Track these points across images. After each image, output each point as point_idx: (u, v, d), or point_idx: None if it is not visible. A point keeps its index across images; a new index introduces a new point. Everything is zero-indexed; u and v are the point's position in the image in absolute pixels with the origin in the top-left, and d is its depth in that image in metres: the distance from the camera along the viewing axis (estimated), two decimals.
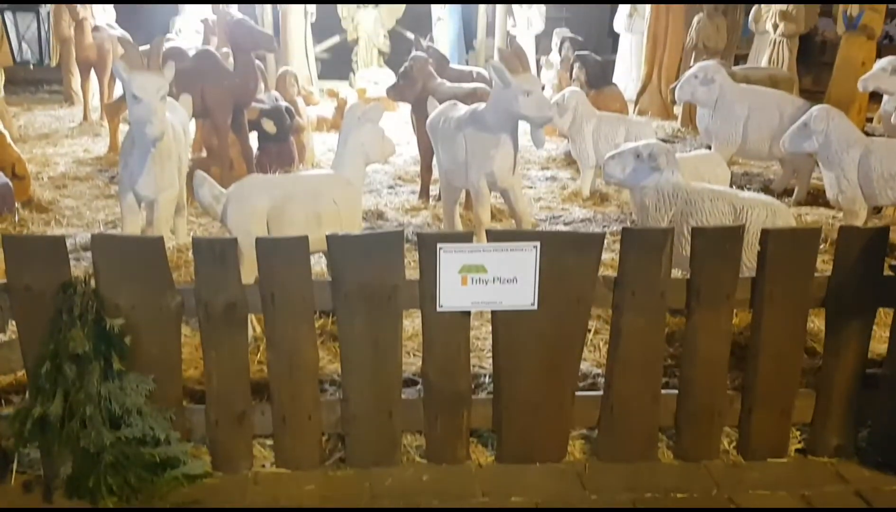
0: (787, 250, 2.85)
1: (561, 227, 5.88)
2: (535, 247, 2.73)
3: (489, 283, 2.75)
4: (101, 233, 3.29)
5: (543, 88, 9.05)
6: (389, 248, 2.75)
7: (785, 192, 6.83)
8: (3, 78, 8.19)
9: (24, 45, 4.55)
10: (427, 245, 2.72)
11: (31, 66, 4.79)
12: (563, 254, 2.77)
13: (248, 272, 3.02)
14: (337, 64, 12.83)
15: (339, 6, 12.10)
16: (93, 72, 9.15)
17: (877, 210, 5.89)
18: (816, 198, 6.49)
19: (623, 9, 12.12)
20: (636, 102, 10.75)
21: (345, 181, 3.94)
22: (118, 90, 8.21)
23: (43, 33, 4.50)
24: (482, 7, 11.61)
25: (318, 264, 4.50)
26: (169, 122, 4.37)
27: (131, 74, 4.05)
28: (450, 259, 2.71)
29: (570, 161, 7.64)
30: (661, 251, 2.78)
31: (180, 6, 10.82)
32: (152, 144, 4.15)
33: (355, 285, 2.74)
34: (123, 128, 7.12)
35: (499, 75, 4.49)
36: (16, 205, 5.62)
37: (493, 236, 2.80)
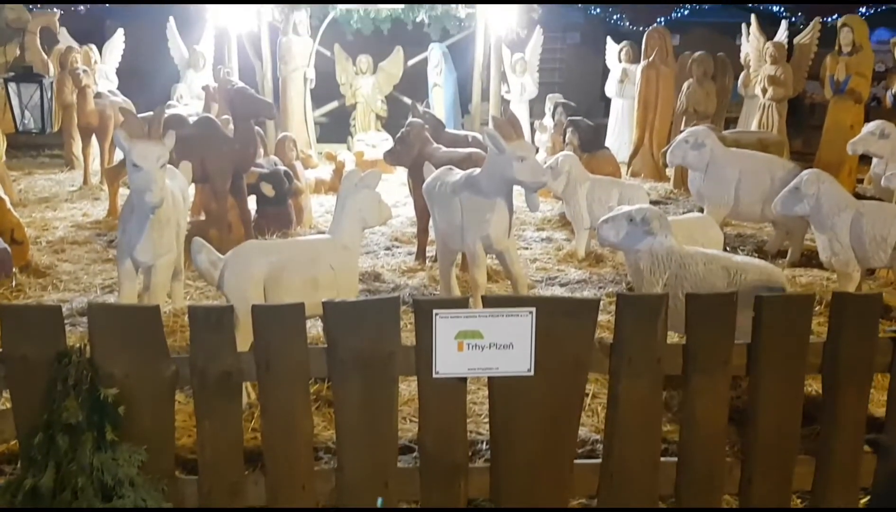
0: (782, 317, 2.86)
1: (557, 288, 5.90)
2: (531, 312, 2.74)
3: (485, 348, 2.75)
4: (97, 302, 3.30)
5: (537, 151, 9.23)
6: (385, 315, 2.75)
7: (779, 254, 6.88)
8: (5, 144, 8.32)
9: (27, 114, 4.64)
10: (423, 311, 2.73)
11: (33, 134, 4.90)
12: (559, 319, 2.77)
13: (244, 339, 3.02)
14: (335, 128, 13.06)
15: (339, 73, 12.36)
16: (94, 137, 9.30)
17: (870, 272, 5.92)
18: (810, 259, 6.53)
19: (614, 74, 12.42)
20: (629, 165, 10.92)
21: (341, 246, 3.98)
22: (118, 155, 8.34)
23: (45, 102, 4.59)
24: (476, 73, 11.88)
25: (315, 327, 4.50)
26: (168, 188, 4.43)
27: (132, 143, 4.12)
28: (446, 325, 2.72)
29: (564, 222, 7.72)
30: (656, 317, 2.79)
31: (182, 74, 11.08)
32: (151, 211, 4.20)
33: (351, 352, 2.74)
34: (123, 192, 7.21)
35: (493, 142, 4.59)
36: (13, 270, 5.63)
37: (489, 302, 2.81)
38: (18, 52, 6.66)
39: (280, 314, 2.75)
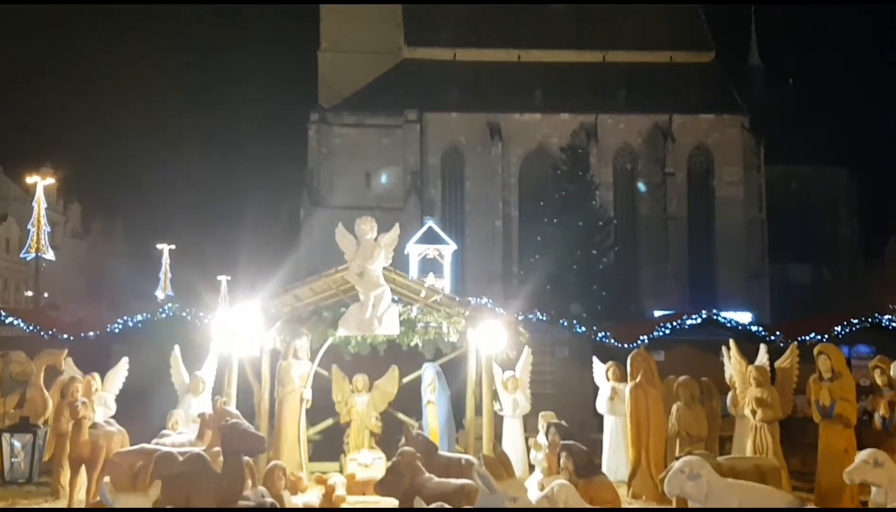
0: None
1: None
2: None
3: None
4: None
5: (533, 470, 9.05)
6: None
7: None
8: None
9: (16, 464, 4.65)
10: None
11: (19, 483, 4.85)
12: None
13: None
14: (329, 446, 12.95)
15: (335, 392, 12.60)
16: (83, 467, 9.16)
17: None
18: None
19: (603, 391, 12.66)
20: (629, 485, 10.66)
21: None
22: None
23: (37, 452, 4.63)
24: (469, 390, 12.13)
25: None
26: None
27: (116, 496, 4.10)
28: None
29: None
30: None
31: (180, 398, 11.27)
32: None
33: None
34: None
35: (484, 482, 4.56)
36: None
37: None
38: (18, 401, 6.88)
39: None
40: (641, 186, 49.64)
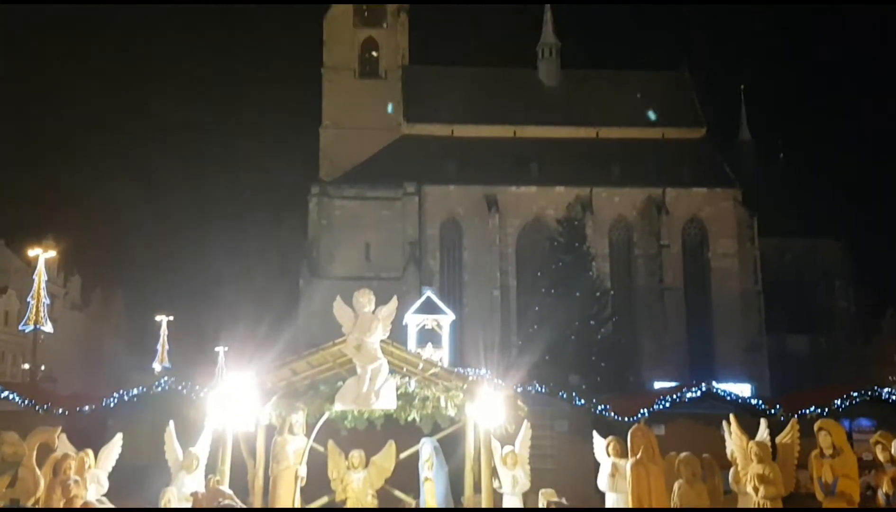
0: None
1: None
2: None
3: None
4: None
5: None
6: None
7: None
8: None
9: None
10: None
11: None
12: None
13: None
14: None
15: (331, 469, 12.41)
16: None
17: None
18: None
19: (604, 467, 12.45)
20: None
21: None
22: None
23: None
24: (468, 466, 11.96)
25: None
26: None
27: None
28: None
29: None
30: None
31: (174, 476, 11.09)
32: None
33: None
34: None
35: None
36: None
37: None
38: (10, 481, 6.80)
39: None
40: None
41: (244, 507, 7.15)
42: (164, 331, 42.36)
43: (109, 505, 8.86)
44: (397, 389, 11.11)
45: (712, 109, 56.98)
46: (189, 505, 9.85)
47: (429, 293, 32.29)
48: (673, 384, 45.09)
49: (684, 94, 56.65)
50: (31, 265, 27.19)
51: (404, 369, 11.81)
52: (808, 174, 66.33)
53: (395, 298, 11.11)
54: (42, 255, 25.18)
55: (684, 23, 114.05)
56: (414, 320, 29.73)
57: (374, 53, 57.94)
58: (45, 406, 13.58)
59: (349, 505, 12.42)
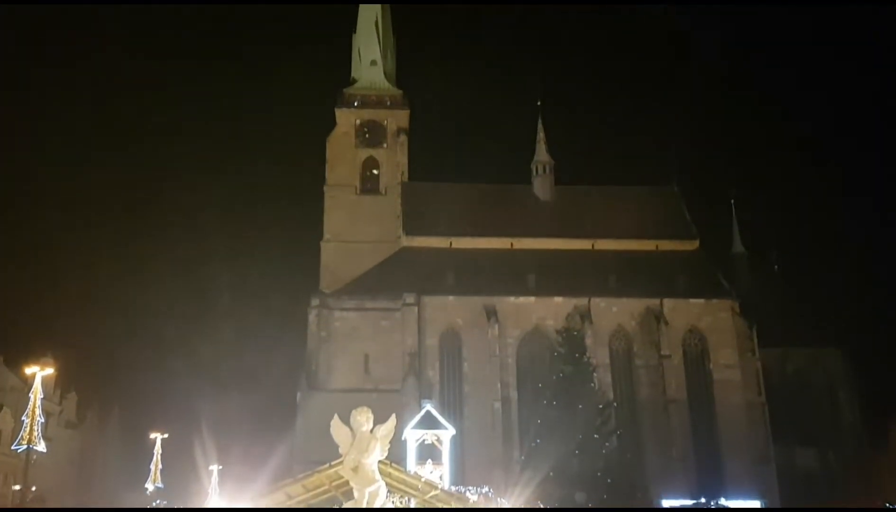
0: None
1: None
2: None
3: None
4: None
5: None
6: None
7: None
8: None
9: None
10: None
11: None
12: None
13: None
14: None
15: None
16: None
17: None
18: None
19: None
20: None
21: None
22: None
23: None
24: None
25: None
26: None
27: None
28: None
29: None
30: None
31: None
32: None
33: None
34: None
35: None
36: None
37: None
38: None
39: None
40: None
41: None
42: (157, 450, 41.46)
43: None
44: None
45: (704, 222, 57.93)
46: None
47: (428, 407, 31.89)
48: (685, 502, 43.84)
49: (675, 209, 58.00)
50: (27, 383, 27.01)
51: (404, 491, 11.70)
52: (804, 284, 66.78)
53: (393, 416, 11.16)
54: (39, 373, 25.05)
55: (673, 138, 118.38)
56: (413, 435, 29.22)
57: (375, 171, 59.83)
58: None
59: None
